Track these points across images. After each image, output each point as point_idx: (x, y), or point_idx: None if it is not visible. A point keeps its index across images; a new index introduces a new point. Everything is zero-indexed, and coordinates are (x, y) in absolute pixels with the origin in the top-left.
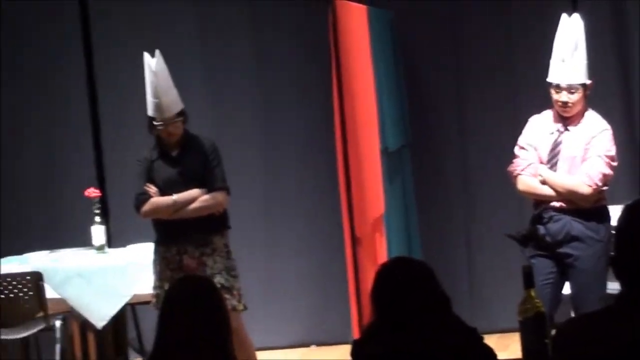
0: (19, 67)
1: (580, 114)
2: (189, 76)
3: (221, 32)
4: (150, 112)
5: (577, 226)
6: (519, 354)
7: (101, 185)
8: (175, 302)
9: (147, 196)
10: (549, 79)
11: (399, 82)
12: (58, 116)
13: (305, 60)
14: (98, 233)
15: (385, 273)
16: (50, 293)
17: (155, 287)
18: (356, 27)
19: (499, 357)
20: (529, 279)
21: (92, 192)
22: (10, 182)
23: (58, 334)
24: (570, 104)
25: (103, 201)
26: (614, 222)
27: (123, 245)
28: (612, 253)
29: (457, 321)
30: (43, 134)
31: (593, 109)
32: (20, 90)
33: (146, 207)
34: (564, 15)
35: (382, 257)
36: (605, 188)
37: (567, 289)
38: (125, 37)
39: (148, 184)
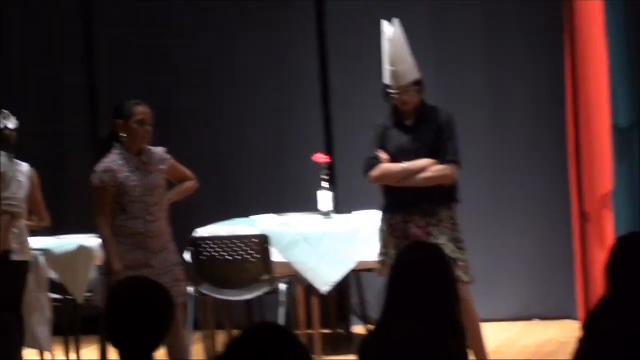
0: (252, 43)
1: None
2: (423, 48)
3: (452, 4)
4: (386, 80)
5: None
6: None
7: (329, 152)
8: (404, 268)
9: (377, 161)
10: None
11: (631, 58)
12: (288, 84)
13: (535, 32)
14: (325, 199)
15: (623, 247)
16: (276, 256)
17: (380, 254)
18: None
19: None
20: None
21: (321, 157)
22: (241, 146)
23: (283, 298)
24: None
25: (331, 167)
26: None
27: (348, 211)
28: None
29: None
30: (274, 101)
31: None
32: (253, 59)
33: (376, 172)
34: None
35: (610, 234)
36: None
37: None
38: (357, 5)
39: (380, 150)
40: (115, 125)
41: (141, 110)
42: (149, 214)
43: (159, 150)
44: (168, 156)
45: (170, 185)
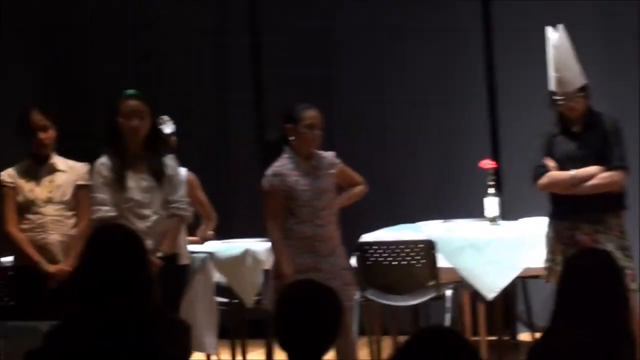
0: (419, 50)
1: None
2: (589, 52)
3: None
4: (551, 86)
5: None
6: None
7: (496, 157)
8: (574, 274)
9: (545, 169)
10: None
11: None
12: (455, 90)
13: None
14: (491, 204)
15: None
16: (442, 262)
17: (546, 261)
18: None
19: None
20: None
21: (487, 163)
22: (408, 152)
23: (448, 303)
24: None
25: (497, 173)
26: None
27: (515, 217)
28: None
29: None
30: (441, 108)
31: None
32: (421, 66)
33: (543, 180)
34: None
35: None
36: None
37: None
38: (524, 9)
39: (547, 158)
40: (285, 129)
41: (310, 115)
42: (317, 217)
43: (329, 155)
44: (337, 160)
45: (340, 189)
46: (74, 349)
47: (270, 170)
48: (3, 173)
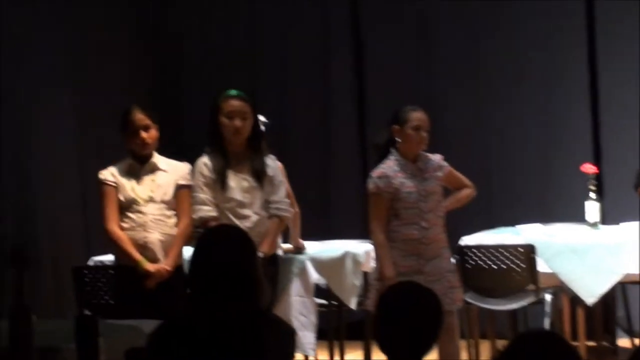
0: (523, 51)
1: None
2: None
3: None
4: None
5: None
6: None
7: (597, 161)
8: None
9: None
10: None
11: None
12: (555, 92)
13: None
14: (592, 209)
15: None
16: (541, 266)
17: None
18: None
19: None
20: None
21: (589, 167)
22: (509, 156)
23: (547, 308)
24: None
25: (599, 177)
26: None
27: (616, 222)
28: None
29: None
30: (541, 111)
31: None
32: (521, 69)
33: None
34: None
35: None
36: None
37: None
38: (629, 12)
39: None
40: (392, 130)
41: (417, 116)
42: (423, 220)
43: (436, 157)
44: (445, 163)
45: (447, 192)
46: (181, 348)
47: (375, 172)
48: (105, 172)
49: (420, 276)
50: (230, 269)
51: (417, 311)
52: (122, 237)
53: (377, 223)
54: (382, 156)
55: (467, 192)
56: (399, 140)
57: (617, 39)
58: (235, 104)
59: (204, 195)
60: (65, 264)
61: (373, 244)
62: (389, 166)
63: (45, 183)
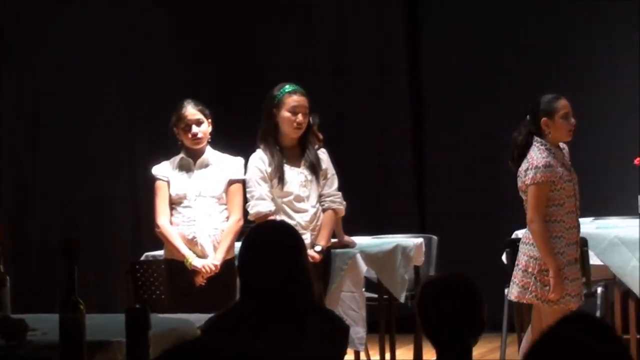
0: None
1: None
2: None
3: None
4: None
5: None
6: None
7: None
8: None
9: None
10: None
11: None
12: (607, 85)
13: None
14: None
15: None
16: (593, 259)
17: None
18: None
19: None
20: None
21: None
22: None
23: (599, 301)
24: None
25: None
26: None
27: None
28: None
29: None
30: (593, 105)
31: None
32: (574, 61)
33: None
34: None
35: None
36: None
37: None
38: None
39: None
40: (542, 124)
41: (563, 104)
42: (578, 208)
43: (565, 146)
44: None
45: None
46: (231, 342)
47: (539, 162)
48: (157, 167)
49: (578, 264)
50: (279, 265)
51: (459, 302)
52: (172, 232)
53: (540, 213)
54: (521, 150)
55: None
56: (549, 131)
57: None
58: (299, 98)
59: (262, 190)
60: (116, 259)
61: (533, 234)
62: (546, 155)
63: (96, 177)
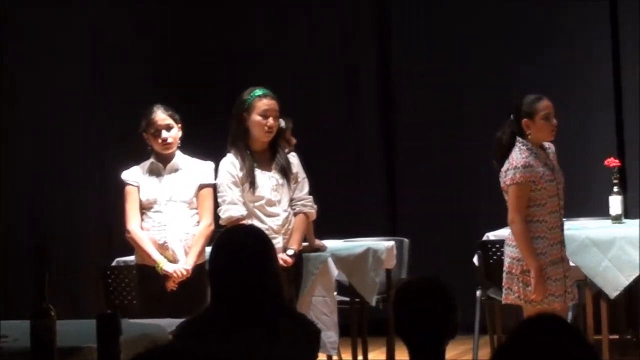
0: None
1: None
2: None
3: None
4: None
5: None
6: None
7: (621, 156)
8: None
9: None
10: None
11: None
12: (579, 85)
13: None
14: (615, 203)
15: None
16: None
17: None
18: None
19: None
20: None
21: (612, 161)
22: None
23: None
24: None
25: (622, 171)
26: None
27: (639, 216)
28: None
29: None
30: (566, 105)
31: None
32: (547, 64)
33: None
34: None
35: None
36: None
37: None
38: None
39: None
40: (523, 125)
41: (545, 105)
42: (561, 207)
43: (551, 145)
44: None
45: None
46: (203, 347)
47: (518, 162)
48: (127, 172)
49: (564, 264)
50: (250, 270)
51: (429, 302)
52: (142, 237)
53: (520, 214)
54: (505, 151)
55: None
56: (530, 132)
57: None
58: (270, 102)
59: (233, 194)
60: (87, 264)
61: (514, 235)
62: (527, 156)
63: (66, 182)
